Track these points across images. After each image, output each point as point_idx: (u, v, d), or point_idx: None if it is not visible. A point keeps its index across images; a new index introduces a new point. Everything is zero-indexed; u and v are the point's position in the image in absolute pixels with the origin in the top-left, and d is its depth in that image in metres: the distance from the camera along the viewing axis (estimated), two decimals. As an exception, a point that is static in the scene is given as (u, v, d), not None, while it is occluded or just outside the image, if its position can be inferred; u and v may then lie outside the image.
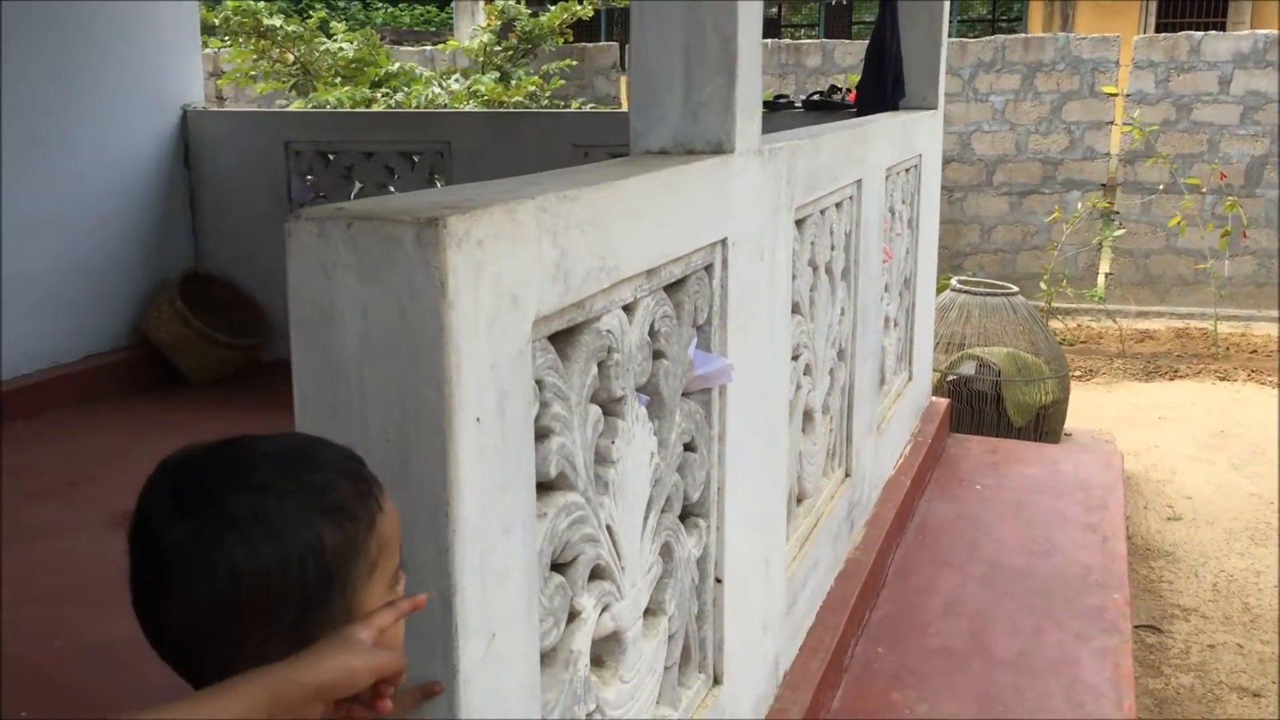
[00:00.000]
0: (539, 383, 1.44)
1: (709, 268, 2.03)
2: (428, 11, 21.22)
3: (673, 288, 1.90)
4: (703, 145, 2.07)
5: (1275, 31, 8.68)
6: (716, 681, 2.20)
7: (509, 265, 1.30)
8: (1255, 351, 7.99)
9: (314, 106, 8.85)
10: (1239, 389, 7.16)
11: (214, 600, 0.94)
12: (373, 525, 1.02)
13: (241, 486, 0.97)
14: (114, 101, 5.35)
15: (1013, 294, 6.05)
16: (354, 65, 9.41)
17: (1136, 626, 3.96)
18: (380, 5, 21.47)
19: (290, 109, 8.87)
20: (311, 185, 5.71)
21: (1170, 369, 7.61)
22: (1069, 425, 5.93)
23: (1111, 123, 9.14)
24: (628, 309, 1.71)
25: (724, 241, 2.05)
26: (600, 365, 1.63)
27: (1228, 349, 8.03)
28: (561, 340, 1.53)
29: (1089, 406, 6.62)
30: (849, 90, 5.55)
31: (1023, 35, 9.82)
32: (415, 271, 1.16)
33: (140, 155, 5.54)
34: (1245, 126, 8.73)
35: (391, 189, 5.61)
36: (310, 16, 11.11)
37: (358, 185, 5.71)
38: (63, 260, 5.12)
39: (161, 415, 5.03)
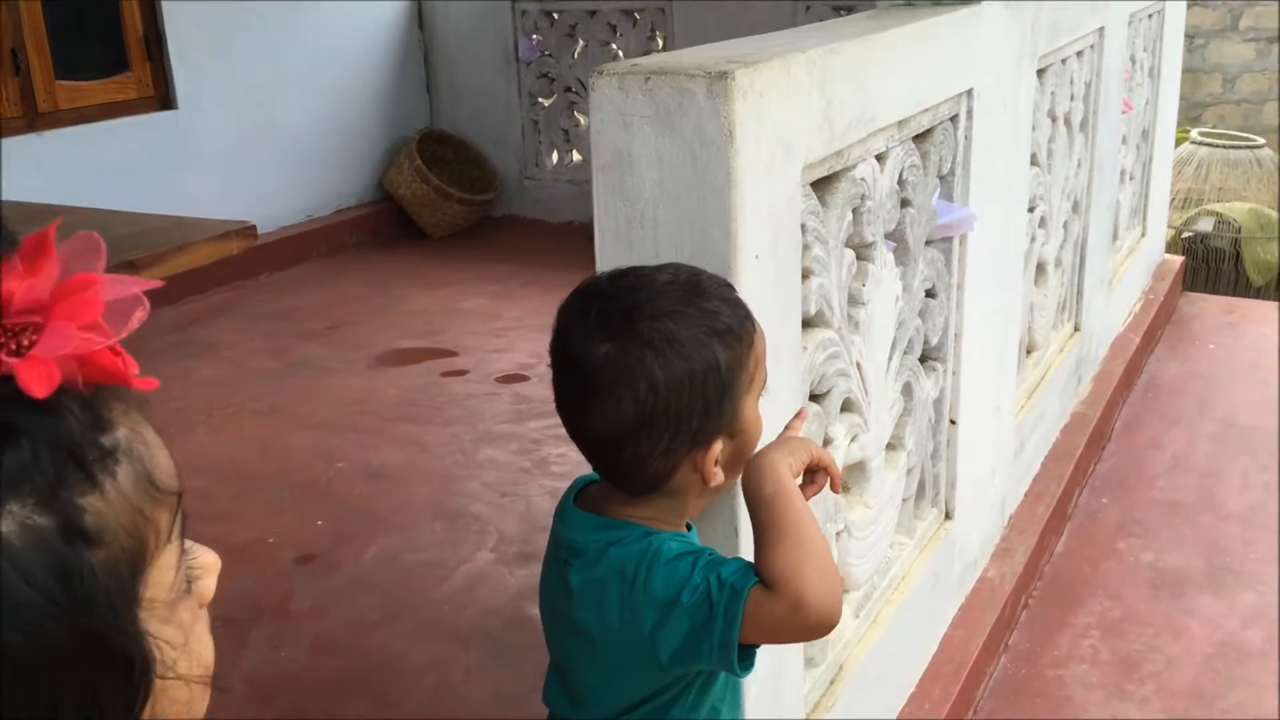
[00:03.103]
0: (802, 226, 1.55)
1: (954, 119, 2.08)
2: None
3: (920, 138, 1.96)
4: (950, -5, 2.10)
5: None
6: (948, 516, 2.32)
7: (784, 115, 1.40)
8: None
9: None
10: None
11: (635, 406, 1.11)
12: (751, 344, 1.19)
13: (652, 313, 1.13)
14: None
15: (1259, 146, 5.73)
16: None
17: (1377, 490, 3.85)
18: None
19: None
20: (537, 44, 5.88)
21: None
22: (1312, 285, 5.64)
23: (1380, -43, 8.33)
24: (879, 158, 1.80)
25: (969, 92, 2.09)
26: (854, 211, 1.73)
27: None
28: (821, 187, 1.63)
29: (1336, 267, 6.26)
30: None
31: None
32: (706, 120, 1.29)
33: (377, 17, 5.81)
34: None
35: (614, 46, 5.72)
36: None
37: (581, 43, 5.84)
38: (313, 119, 5.48)
39: (404, 265, 5.40)
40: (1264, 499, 3.18)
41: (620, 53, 5.72)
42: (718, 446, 1.17)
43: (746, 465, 1.19)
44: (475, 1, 5.93)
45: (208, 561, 0.65)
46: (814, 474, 1.24)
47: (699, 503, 1.36)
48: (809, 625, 1.10)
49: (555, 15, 5.83)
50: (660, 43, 5.64)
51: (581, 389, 1.15)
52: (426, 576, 2.74)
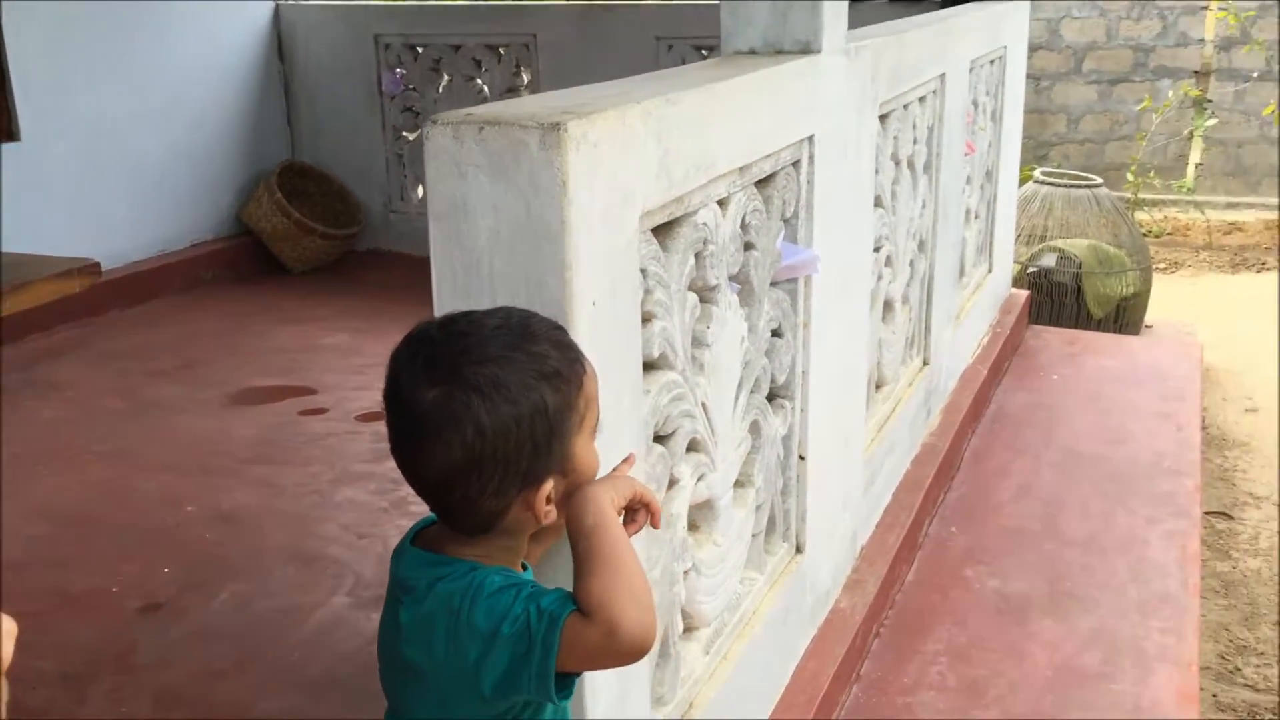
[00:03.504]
0: (643, 271, 1.58)
1: (796, 164, 2.14)
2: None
3: (763, 183, 2.02)
4: (791, 45, 2.17)
5: (1388, -92, 8.29)
6: (798, 550, 2.37)
7: (620, 164, 1.43)
8: (1348, 244, 7.85)
9: (398, -2, 8.92)
10: (1328, 282, 7.07)
11: (464, 450, 1.14)
12: (580, 385, 1.22)
13: (478, 359, 1.15)
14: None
15: (1096, 185, 6.01)
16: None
17: (1207, 513, 4.06)
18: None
19: (378, 1, 8.96)
20: (401, 78, 5.84)
21: (1259, 261, 7.52)
22: (1150, 317, 5.93)
23: (1206, 8, 8.86)
24: (722, 203, 1.84)
25: (811, 139, 2.15)
26: (697, 255, 1.76)
27: (1319, 241, 7.90)
28: (662, 232, 1.66)
29: (1172, 299, 6.60)
30: (936, -21, 5.49)
31: (1118, -85, 9.48)
32: (540, 170, 1.30)
33: (236, 48, 5.71)
34: (1350, 10, 8.42)
35: (479, 80, 5.72)
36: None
37: (446, 78, 5.83)
38: (167, 150, 5.34)
39: (263, 301, 5.29)
40: (1103, 525, 3.32)
41: (485, 88, 5.72)
42: (549, 485, 1.20)
43: (570, 499, 1.23)
44: (337, 33, 5.87)
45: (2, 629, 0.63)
46: (635, 512, 1.29)
47: (538, 547, 1.37)
48: (622, 650, 1.15)
49: (419, 49, 5.81)
50: (525, 79, 5.67)
51: (412, 433, 1.18)
52: (278, 623, 2.68)
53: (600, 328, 1.41)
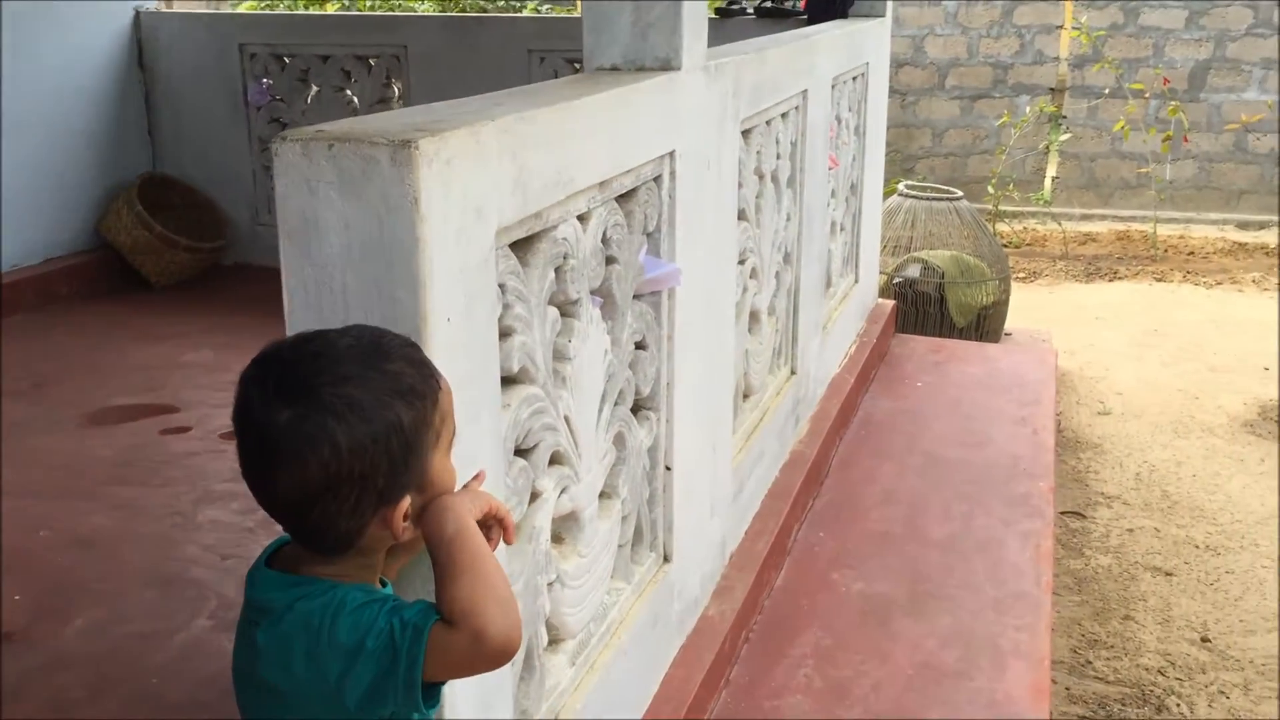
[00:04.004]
0: (502, 286, 1.59)
1: (658, 179, 2.17)
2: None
3: (624, 198, 2.04)
4: (652, 62, 2.20)
5: (1224, -65, 8.76)
6: (666, 559, 2.40)
7: (474, 181, 1.44)
8: (1192, 253, 8.25)
9: (266, 7, 8.76)
10: (1175, 289, 7.43)
11: (320, 471, 1.13)
12: (436, 401, 1.22)
13: (332, 378, 1.15)
14: (65, 3, 5.33)
15: (957, 199, 6.22)
16: (305, -37, 9.27)
17: (1062, 512, 4.23)
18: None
19: (243, 10, 8.77)
20: (267, 88, 5.73)
21: (1110, 270, 7.86)
22: (1009, 325, 6.15)
23: (1061, 26, 9.25)
24: (582, 218, 1.86)
25: (672, 154, 2.19)
26: (557, 270, 1.78)
27: (1166, 251, 8.28)
28: (522, 248, 1.68)
29: (1030, 307, 6.86)
30: (801, -4, 5.62)
31: (977, -63, 9.82)
32: (391, 187, 1.31)
33: (94, 57, 5.54)
34: (1190, 31, 8.86)
35: (348, 92, 5.65)
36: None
37: (314, 88, 5.74)
38: (21, 163, 5.14)
39: (124, 318, 5.13)
40: (963, 527, 3.43)
41: (355, 99, 5.65)
42: (406, 503, 1.21)
43: (427, 509, 1.24)
44: (201, 42, 5.74)
45: None
46: (489, 528, 1.30)
47: (394, 563, 1.37)
48: (489, 655, 1.17)
49: (286, 59, 5.71)
50: (396, 90, 5.62)
51: (264, 456, 1.16)
52: (137, 649, 2.60)
53: (456, 343, 1.42)
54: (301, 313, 1.38)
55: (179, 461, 3.59)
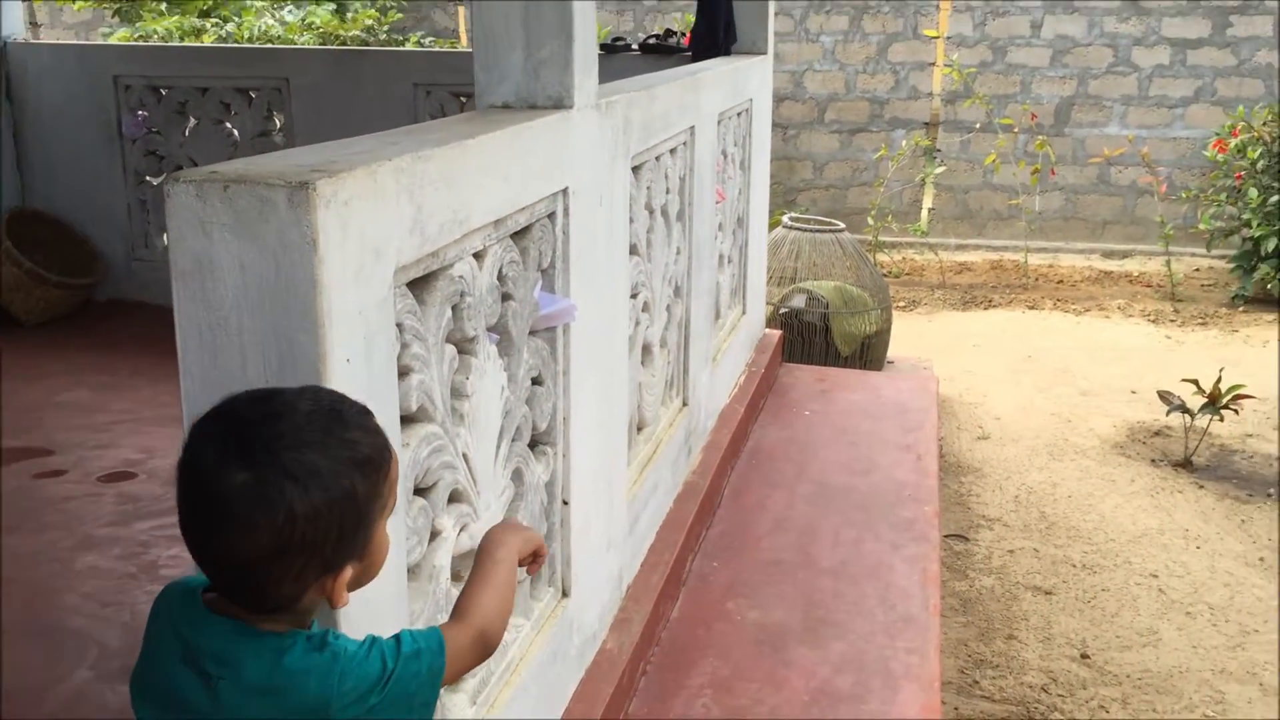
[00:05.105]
0: (400, 326, 1.58)
1: (552, 215, 2.19)
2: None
3: (519, 235, 2.06)
4: (544, 100, 2.22)
5: (1083, -22, 9.18)
6: (565, 594, 2.40)
7: (371, 221, 1.43)
8: (1061, 281, 8.58)
9: (140, 38, 8.55)
10: (1046, 317, 7.71)
11: (272, 536, 1.12)
12: (388, 473, 1.23)
13: (293, 443, 1.14)
14: (-72, 32, 5.14)
15: (839, 230, 6.37)
16: (181, -9, 9.10)
17: (946, 536, 4.35)
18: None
19: (116, 40, 8.56)
20: (143, 120, 5.59)
21: (985, 299, 8.12)
22: (892, 353, 6.31)
23: (933, 64, 9.57)
24: (478, 256, 1.87)
25: (565, 191, 2.21)
26: (454, 308, 1.78)
27: (1037, 280, 8.60)
28: (419, 286, 1.67)
29: (911, 335, 7.05)
30: (684, 34, 5.72)
31: (852, -24, 10.11)
32: (288, 229, 1.30)
33: (-43, 88, 5.33)
34: (1055, 69, 9.25)
35: (229, 125, 5.55)
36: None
37: (193, 121, 5.61)
38: (-121, 198, 4.92)
39: (-7, 357, 4.93)
40: (853, 553, 3.50)
41: (235, 132, 5.55)
42: (348, 572, 1.21)
43: (490, 532, 1.52)
44: (73, 74, 5.57)
45: None
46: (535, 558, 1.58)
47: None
48: (484, 653, 1.41)
49: (163, 91, 5.58)
50: (278, 123, 5.53)
51: (213, 516, 1.14)
52: (14, 702, 2.49)
53: (355, 384, 1.41)
54: (195, 355, 1.35)
55: (55, 505, 3.46)
